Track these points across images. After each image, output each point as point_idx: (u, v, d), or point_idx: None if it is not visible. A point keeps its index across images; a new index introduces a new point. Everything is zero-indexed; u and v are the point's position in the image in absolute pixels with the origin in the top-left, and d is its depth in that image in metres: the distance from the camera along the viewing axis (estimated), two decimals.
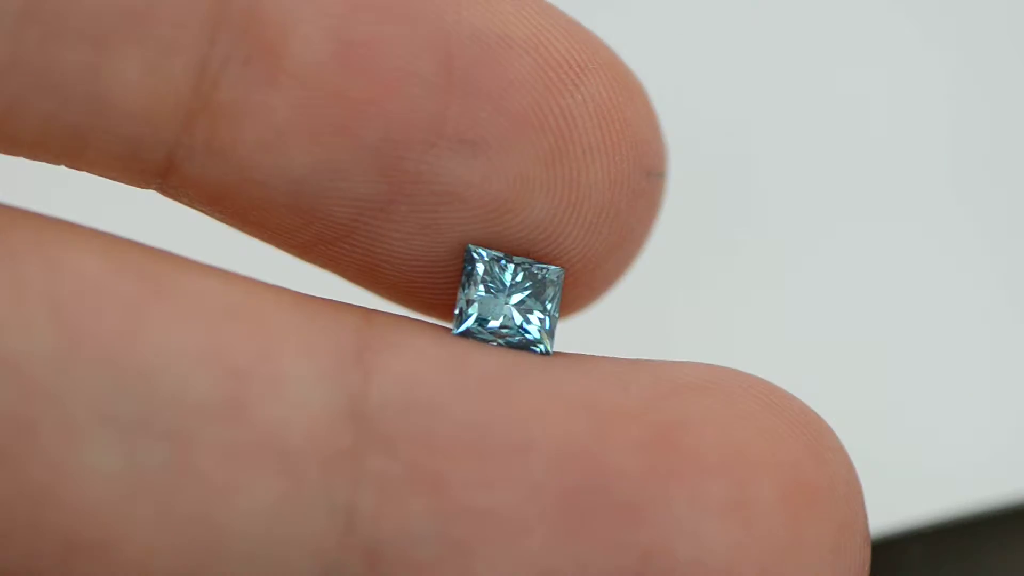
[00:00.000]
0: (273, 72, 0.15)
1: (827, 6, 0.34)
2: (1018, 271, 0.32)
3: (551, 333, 0.16)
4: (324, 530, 0.14)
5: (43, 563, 0.13)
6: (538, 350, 0.15)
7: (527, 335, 0.15)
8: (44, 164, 0.15)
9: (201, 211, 0.16)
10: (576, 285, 0.16)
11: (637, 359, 0.15)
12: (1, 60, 0.14)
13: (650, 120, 0.16)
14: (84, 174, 0.15)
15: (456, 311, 0.15)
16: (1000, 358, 0.32)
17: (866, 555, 0.15)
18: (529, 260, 0.16)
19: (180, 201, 0.16)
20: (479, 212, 0.15)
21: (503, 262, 0.16)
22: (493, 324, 0.15)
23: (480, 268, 0.15)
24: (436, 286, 0.16)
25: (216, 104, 0.15)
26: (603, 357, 0.16)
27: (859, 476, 0.15)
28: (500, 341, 0.15)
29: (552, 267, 0.16)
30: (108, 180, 0.15)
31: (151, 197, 0.16)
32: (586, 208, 0.16)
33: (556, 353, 0.16)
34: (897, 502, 0.27)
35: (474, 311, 0.15)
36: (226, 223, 0.16)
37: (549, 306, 0.16)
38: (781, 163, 0.33)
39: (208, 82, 0.15)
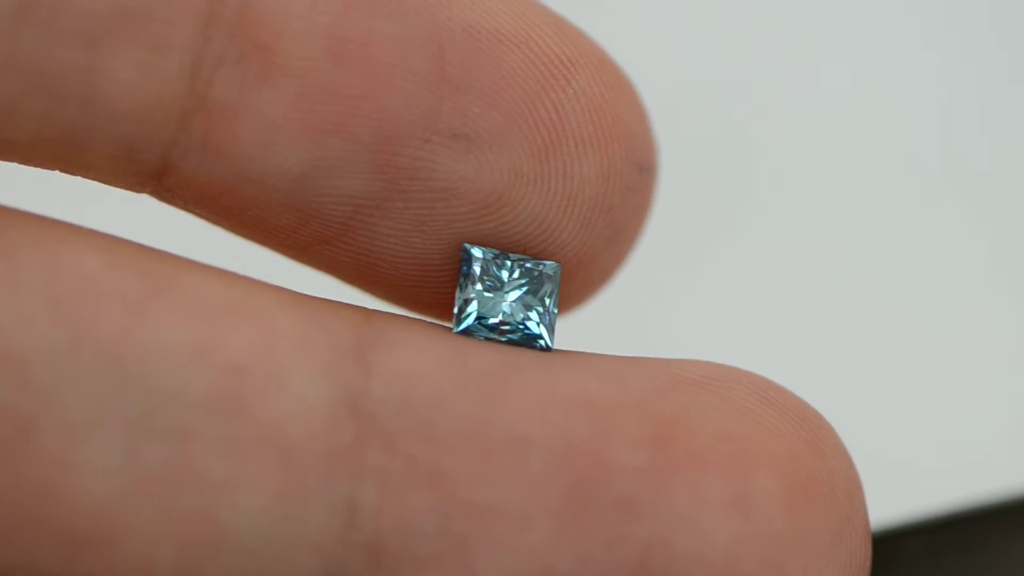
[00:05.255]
0: (267, 70, 0.15)
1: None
2: (1020, 262, 0.32)
3: (551, 328, 0.16)
4: (325, 526, 0.14)
5: (45, 560, 0.13)
6: (539, 345, 0.15)
7: (528, 330, 0.15)
8: (38, 170, 0.15)
9: (196, 214, 0.16)
10: (572, 281, 0.16)
11: (635, 356, 0.16)
12: None
13: (640, 115, 0.16)
14: (79, 180, 0.15)
15: (455, 310, 0.15)
16: (1000, 350, 0.32)
17: (867, 549, 0.15)
18: (525, 256, 0.16)
19: (175, 205, 0.16)
20: (474, 207, 0.15)
21: (500, 259, 0.16)
22: (493, 321, 0.15)
23: (477, 266, 0.15)
24: (432, 285, 0.16)
25: (211, 103, 0.15)
26: (601, 354, 0.16)
27: (859, 470, 0.15)
28: (501, 338, 0.15)
29: (549, 263, 0.16)
30: (103, 185, 0.15)
31: (146, 205, 0.16)
32: (579, 202, 0.16)
33: (555, 350, 0.16)
34: (897, 495, 0.27)
35: (473, 309, 0.15)
36: (222, 226, 0.16)
37: (548, 301, 0.16)
38: (775, 156, 0.33)
39: (202, 81, 0.15)
